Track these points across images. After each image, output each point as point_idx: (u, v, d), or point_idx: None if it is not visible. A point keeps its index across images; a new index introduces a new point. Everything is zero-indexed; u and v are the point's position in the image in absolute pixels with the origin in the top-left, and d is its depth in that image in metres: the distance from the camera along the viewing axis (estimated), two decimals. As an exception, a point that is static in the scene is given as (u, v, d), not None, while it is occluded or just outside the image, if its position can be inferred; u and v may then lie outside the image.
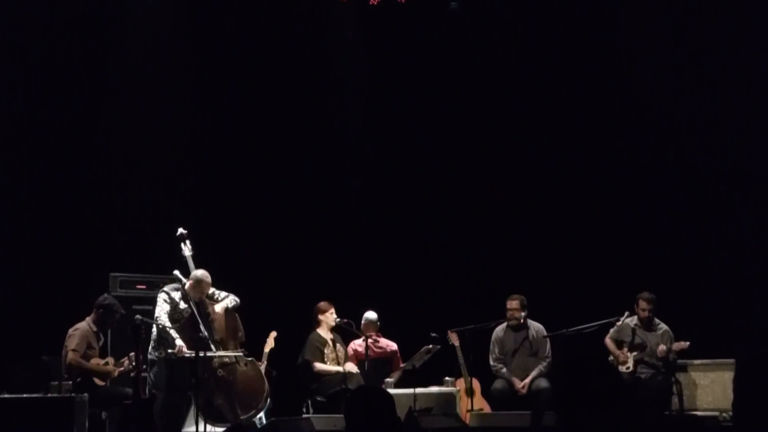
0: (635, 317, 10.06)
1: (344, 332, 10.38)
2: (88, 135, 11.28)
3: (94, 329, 9.04)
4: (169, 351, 8.97)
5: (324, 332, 10.21)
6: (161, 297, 9.23)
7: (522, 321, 10.20)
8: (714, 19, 11.66)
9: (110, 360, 9.08)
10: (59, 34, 11.08)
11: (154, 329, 9.14)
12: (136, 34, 11.57)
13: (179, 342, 8.92)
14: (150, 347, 9.15)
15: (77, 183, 11.20)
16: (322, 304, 10.24)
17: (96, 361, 8.95)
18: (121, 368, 9.00)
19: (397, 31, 12.51)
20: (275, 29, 12.22)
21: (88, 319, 9.07)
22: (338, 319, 10.13)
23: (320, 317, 10.19)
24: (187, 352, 8.87)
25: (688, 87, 11.78)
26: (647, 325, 9.98)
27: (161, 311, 9.12)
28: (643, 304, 9.97)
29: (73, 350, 8.81)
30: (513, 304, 10.20)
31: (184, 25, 11.92)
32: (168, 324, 9.03)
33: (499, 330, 10.31)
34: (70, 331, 8.96)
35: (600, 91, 12.21)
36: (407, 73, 12.50)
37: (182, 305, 9.19)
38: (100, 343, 9.13)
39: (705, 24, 11.71)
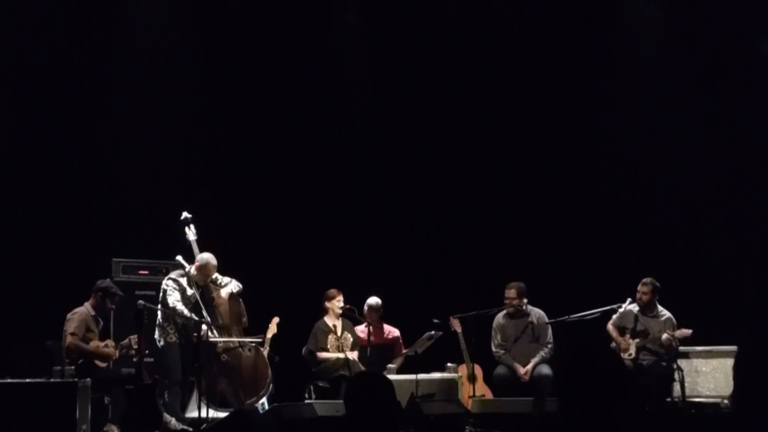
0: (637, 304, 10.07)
1: (347, 318, 10.38)
2: (91, 120, 11.28)
3: (93, 313, 9.06)
4: (195, 335, 8.98)
5: (330, 320, 10.21)
6: (170, 284, 9.21)
7: (522, 308, 10.18)
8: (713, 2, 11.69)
9: (110, 342, 9.11)
10: (67, 19, 11.10)
11: (159, 314, 9.15)
12: (138, 17, 11.56)
13: (204, 326, 8.94)
14: (156, 333, 9.16)
15: (80, 169, 11.21)
16: (330, 292, 10.22)
17: (95, 344, 8.97)
18: (122, 351, 9.01)
19: (400, 14, 12.49)
20: (276, 11, 12.19)
21: (86, 303, 9.09)
22: (343, 306, 10.13)
23: (327, 304, 10.19)
24: (212, 336, 8.91)
25: (690, 71, 11.77)
26: (646, 309, 9.96)
27: (175, 300, 9.11)
28: (641, 288, 9.96)
29: (72, 333, 8.83)
30: (510, 292, 10.18)
31: (185, 8, 11.92)
32: (186, 311, 9.03)
33: (500, 317, 10.29)
34: (69, 315, 8.98)
35: (601, 77, 12.21)
36: (410, 56, 12.47)
37: (189, 291, 9.20)
38: (100, 327, 9.15)
39: (704, 8, 11.75)
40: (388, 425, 4.07)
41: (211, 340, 8.99)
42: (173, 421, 8.89)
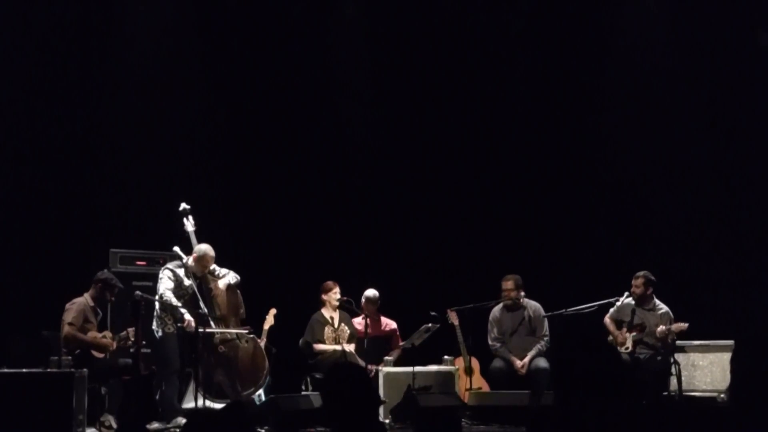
0: (635, 297, 10.07)
1: (344, 310, 10.37)
2: (88, 110, 11.26)
3: (92, 304, 9.06)
4: (178, 325, 9.00)
5: (327, 311, 10.20)
6: (165, 274, 9.23)
7: (519, 301, 10.19)
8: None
9: (108, 333, 9.10)
10: (66, 8, 11.10)
11: (157, 305, 9.15)
12: (137, 10, 11.54)
13: (188, 316, 8.96)
14: (154, 324, 9.16)
15: (78, 159, 11.19)
16: (327, 284, 10.22)
17: (93, 335, 8.96)
18: (120, 342, 9.01)
19: (399, 7, 12.47)
20: (275, 5, 12.18)
21: (86, 294, 9.08)
22: (340, 298, 10.13)
23: (324, 296, 10.19)
24: (205, 328, 8.92)
25: (688, 66, 11.78)
26: (642, 303, 9.95)
27: (165, 287, 9.13)
28: (634, 281, 9.95)
29: (70, 323, 8.83)
30: (508, 284, 10.20)
31: (185, 3, 11.93)
32: (174, 300, 9.05)
33: (496, 310, 10.31)
34: (68, 305, 8.98)
35: (598, 71, 12.21)
36: (409, 51, 12.45)
37: (186, 282, 9.21)
38: (98, 318, 9.14)
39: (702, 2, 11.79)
40: (365, 415, 4.09)
41: (192, 330, 8.97)
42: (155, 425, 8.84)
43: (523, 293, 10.23)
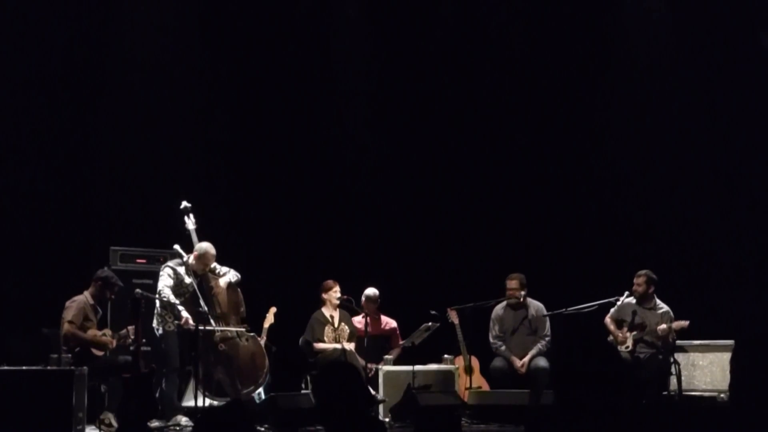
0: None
1: (344, 309, 10.37)
2: (89, 107, 11.25)
3: (92, 302, 9.05)
4: (176, 323, 9.01)
5: (327, 310, 10.20)
6: (166, 271, 9.25)
7: (522, 300, 10.21)
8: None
9: (108, 332, 9.10)
10: (68, 12, 11.10)
11: (158, 303, 9.16)
12: (137, 5, 11.54)
13: (185, 314, 8.97)
14: (155, 322, 9.17)
15: (78, 156, 11.19)
16: (327, 283, 10.21)
17: (93, 333, 8.95)
18: (120, 341, 9.01)
19: (400, 8, 12.47)
20: (276, 5, 12.18)
21: (86, 292, 9.07)
22: (340, 297, 10.12)
23: (324, 295, 10.18)
24: (193, 325, 8.92)
25: (689, 67, 11.78)
26: (643, 302, 9.95)
27: (164, 285, 9.15)
28: (636, 279, 9.96)
29: (70, 321, 8.82)
30: (512, 283, 10.21)
31: (186, 2, 11.93)
32: (172, 298, 9.06)
33: (499, 308, 10.32)
34: (68, 303, 8.97)
35: (600, 72, 12.21)
36: (409, 49, 12.45)
37: (187, 280, 9.22)
38: (98, 316, 9.13)
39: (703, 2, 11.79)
40: (358, 413, 4.09)
41: (190, 327, 8.99)
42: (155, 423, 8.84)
43: (523, 293, 10.23)
